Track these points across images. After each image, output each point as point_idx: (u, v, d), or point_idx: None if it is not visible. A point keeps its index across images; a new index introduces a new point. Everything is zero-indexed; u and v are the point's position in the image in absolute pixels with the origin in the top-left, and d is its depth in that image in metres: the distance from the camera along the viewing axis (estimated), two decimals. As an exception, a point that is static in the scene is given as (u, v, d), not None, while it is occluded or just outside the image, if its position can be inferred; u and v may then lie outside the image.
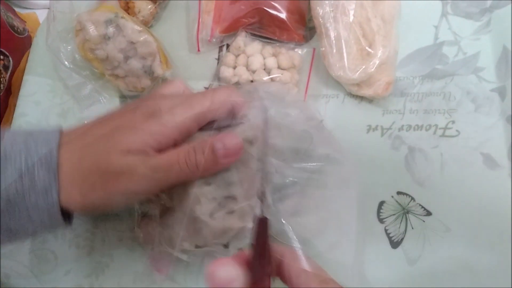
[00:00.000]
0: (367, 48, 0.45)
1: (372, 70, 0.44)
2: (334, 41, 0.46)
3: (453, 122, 0.46)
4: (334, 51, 0.46)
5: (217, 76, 0.50)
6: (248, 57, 0.47)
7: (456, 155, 0.45)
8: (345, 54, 0.45)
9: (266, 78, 0.47)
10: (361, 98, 0.48)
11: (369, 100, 0.48)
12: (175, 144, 0.36)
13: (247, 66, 0.47)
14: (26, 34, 0.55)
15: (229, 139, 0.35)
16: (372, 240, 0.44)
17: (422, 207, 0.44)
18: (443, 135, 0.46)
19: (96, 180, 0.35)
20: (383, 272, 0.43)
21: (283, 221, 0.35)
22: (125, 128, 0.36)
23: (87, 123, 0.38)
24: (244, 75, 0.47)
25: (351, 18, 0.45)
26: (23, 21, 0.56)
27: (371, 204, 0.45)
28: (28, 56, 0.56)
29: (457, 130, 0.46)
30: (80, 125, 0.38)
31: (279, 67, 0.47)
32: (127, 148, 0.35)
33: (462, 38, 0.49)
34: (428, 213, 0.44)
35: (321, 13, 0.46)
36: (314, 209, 0.38)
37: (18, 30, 0.54)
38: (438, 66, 0.48)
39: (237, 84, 0.48)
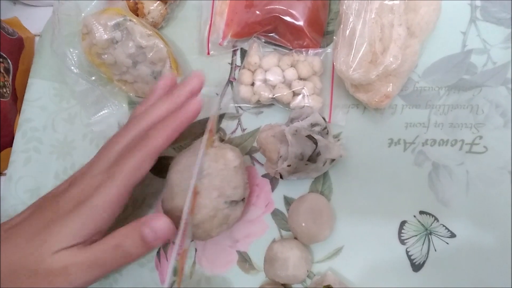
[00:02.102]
0: (378, 53, 0.42)
1: (373, 77, 0.41)
2: (348, 33, 0.43)
3: (481, 137, 0.44)
4: (345, 43, 0.43)
5: (236, 98, 0.48)
6: (265, 72, 0.45)
7: (483, 174, 0.43)
8: (353, 51, 0.42)
9: (287, 92, 0.44)
10: (383, 109, 0.45)
11: (392, 111, 0.45)
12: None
13: (265, 82, 0.45)
14: (16, 36, 0.53)
15: (156, 222, 0.35)
16: (393, 262, 0.42)
17: (446, 228, 0.42)
18: (469, 151, 0.43)
19: (24, 281, 0.34)
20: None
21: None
22: (54, 224, 0.35)
23: (20, 215, 0.39)
24: (264, 92, 0.44)
25: (373, 17, 0.42)
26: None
27: (392, 224, 0.43)
28: (26, 59, 0.54)
29: (484, 146, 0.43)
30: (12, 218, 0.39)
31: (299, 77, 0.44)
32: (57, 247, 0.34)
33: (491, 46, 0.46)
34: (452, 235, 0.42)
35: (346, 2, 0.43)
36: None
37: (8, 31, 0.52)
38: (465, 76, 0.45)
39: (258, 102, 0.46)
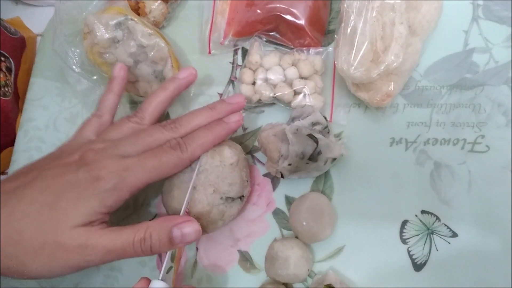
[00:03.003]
0: (380, 51, 0.42)
1: (374, 76, 0.41)
2: (349, 32, 0.43)
3: (483, 136, 0.43)
4: (346, 42, 0.43)
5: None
6: (266, 71, 0.45)
7: (485, 173, 0.42)
8: (354, 49, 0.42)
9: (288, 91, 0.44)
10: (385, 108, 0.45)
11: (394, 110, 0.45)
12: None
13: (266, 81, 0.45)
14: (18, 35, 0.54)
15: (188, 227, 0.35)
16: (394, 262, 0.41)
17: (448, 227, 0.42)
18: (471, 151, 0.43)
19: (40, 252, 0.34)
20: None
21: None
22: (70, 197, 0.35)
23: (25, 170, 0.38)
24: (265, 91, 0.44)
25: (374, 15, 0.42)
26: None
27: (393, 223, 0.42)
28: (28, 58, 0.54)
29: (486, 146, 0.43)
30: (17, 173, 0.38)
31: (300, 76, 0.44)
32: (76, 222, 0.34)
33: (494, 45, 0.46)
34: (454, 235, 0.41)
35: (347, 1, 0.43)
36: None
37: (11, 31, 0.52)
38: (467, 75, 0.45)
39: (259, 102, 0.46)
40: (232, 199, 0.40)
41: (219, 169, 0.40)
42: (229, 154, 0.40)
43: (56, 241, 0.34)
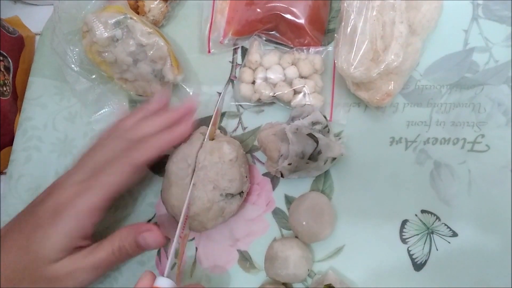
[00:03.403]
0: (380, 51, 0.42)
1: (374, 75, 0.41)
2: (349, 31, 0.42)
3: (483, 136, 0.43)
4: (346, 41, 0.43)
5: (237, 96, 0.48)
6: (266, 70, 0.44)
7: (485, 172, 0.42)
8: (354, 48, 0.42)
9: (288, 90, 0.44)
10: (385, 107, 0.45)
11: (393, 109, 0.45)
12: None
13: (266, 80, 0.45)
14: (17, 35, 0.53)
15: (149, 237, 0.39)
16: (394, 261, 0.41)
17: (448, 227, 0.42)
18: (471, 150, 0.43)
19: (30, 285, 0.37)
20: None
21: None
22: (36, 235, 0.37)
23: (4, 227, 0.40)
24: (265, 90, 0.44)
25: (375, 14, 0.42)
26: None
27: (393, 223, 0.42)
28: (26, 57, 0.53)
29: (486, 145, 0.43)
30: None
31: (300, 76, 0.44)
32: (55, 257, 0.37)
33: (493, 45, 0.46)
34: (454, 234, 0.41)
35: (347, 0, 0.43)
36: None
37: (9, 30, 0.52)
38: (467, 74, 0.45)
39: (259, 101, 0.46)
40: (232, 195, 0.40)
41: (218, 166, 0.40)
42: (228, 150, 0.40)
43: (44, 275, 0.37)
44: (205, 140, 0.42)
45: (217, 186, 0.39)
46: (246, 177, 0.42)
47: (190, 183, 0.39)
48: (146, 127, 0.42)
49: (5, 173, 0.51)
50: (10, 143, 0.51)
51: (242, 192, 0.41)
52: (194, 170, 0.40)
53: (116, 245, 0.38)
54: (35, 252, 0.37)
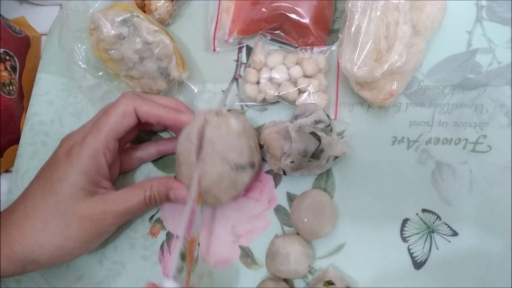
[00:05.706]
0: (383, 51, 0.42)
1: (378, 75, 0.41)
2: (353, 31, 0.43)
3: (485, 136, 0.44)
4: (350, 41, 0.43)
5: (242, 96, 0.48)
6: (271, 70, 0.45)
7: (486, 173, 0.43)
8: (358, 48, 0.42)
9: (293, 90, 0.44)
10: (387, 107, 0.46)
11: (396, 109, 0.46)
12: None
13: (271, 80, 0.45)
14: (23, 35, 0.54)
15: (179, 192, 0.41)
16: (394, 260, 0.42)
17: (449, 226, 0.42)
18: (473, 150, 0.43)
19: (71, 227, 0.39)
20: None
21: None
22: (59, 176, 0.39)
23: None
24: (270, 90, 0.45)
25: (379, 14, 0.42)
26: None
27: (394, 222, 0.43)
28: (32, 57, 0.54)
29: (488, 146, 0.43)
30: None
31: (304, 75, 0.45)
32: (77, 195, 0.39)
33: (497, 46, 0.46)
34: (455, 234, 0.42)
35: (352, 1, 0.44)
36: None
37: (15, 30, 0.53)
38: (470, 75, 0.46)
39: (264, 101, 0.46)
40: (243, 167, 0.40)
41: (225, 139, 0.40)
42: (235, 122, 0.40)
43: (78, 215, 0.39)
44: (208, 116, 0.41)
45: (225, 158, 0.39)
46: (256, 149, 0.42)
47: (195, 160, 0.40)
48: (153, 97, 0.44)
49: (11, 171, 0.51)
50: (16, 141, 0.51)
51: (254, 164, 0.41)
52: (197, 147, 0.40)
53: (147, 194, 0.41)
54: (58, 192, 0.39)
